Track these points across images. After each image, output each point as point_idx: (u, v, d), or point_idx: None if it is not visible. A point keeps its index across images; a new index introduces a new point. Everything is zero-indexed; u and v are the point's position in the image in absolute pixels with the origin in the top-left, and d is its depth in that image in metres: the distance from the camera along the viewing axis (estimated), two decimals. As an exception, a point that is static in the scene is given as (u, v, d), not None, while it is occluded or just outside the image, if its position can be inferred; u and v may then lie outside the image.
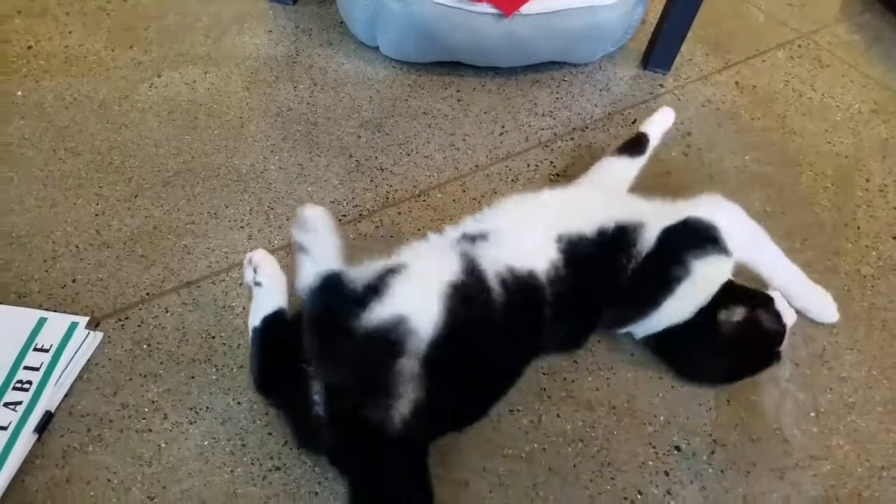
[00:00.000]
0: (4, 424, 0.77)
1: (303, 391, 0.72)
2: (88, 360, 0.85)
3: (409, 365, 0.69)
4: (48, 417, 0.79)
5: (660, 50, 1.39)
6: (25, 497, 0.74)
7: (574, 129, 1.27)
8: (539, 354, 0.88)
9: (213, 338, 0.89)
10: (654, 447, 0.84)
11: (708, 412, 0.88)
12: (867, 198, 1.21)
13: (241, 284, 0.95)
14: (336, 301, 0.73)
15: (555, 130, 1.26)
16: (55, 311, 0.89)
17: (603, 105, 1.33)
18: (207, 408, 0.82)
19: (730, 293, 0.85)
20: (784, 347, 0.89)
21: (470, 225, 0.85)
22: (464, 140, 1.22)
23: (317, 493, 0.76)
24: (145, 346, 0.88)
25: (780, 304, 0.88)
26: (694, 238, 0.86)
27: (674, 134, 1.28)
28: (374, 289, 0.73)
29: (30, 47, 1.28)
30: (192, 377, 0.85)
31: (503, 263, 0.78)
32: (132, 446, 0.79)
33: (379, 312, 0.70)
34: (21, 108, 1.17)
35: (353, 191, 1.11)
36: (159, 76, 1.26)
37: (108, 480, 0.76)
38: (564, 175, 1.18)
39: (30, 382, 0.81)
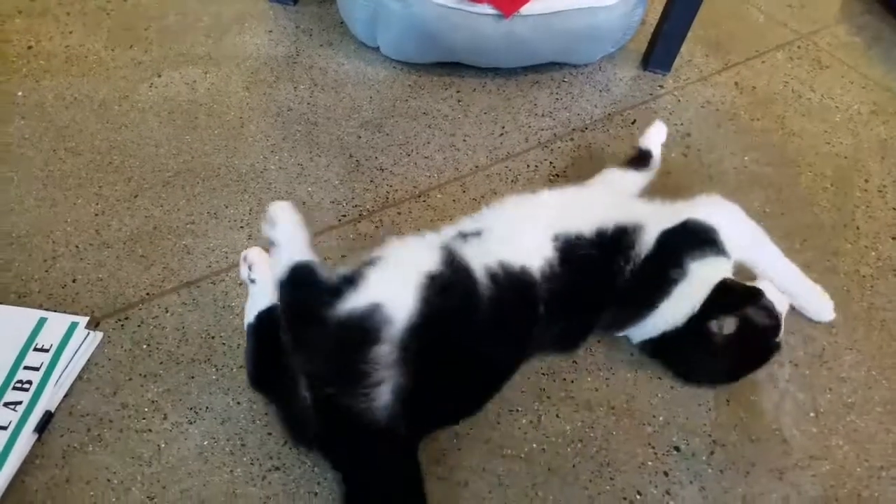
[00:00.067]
0: (4, 424, 0.77)
1: (293, 384, 0.72)
2: (88, 360, 0.85)
3: (386, 352, 0.69)
4: (48, 417, 0.79)
5: (659, 51, 1.39)
6: (25, 497, 0.74)
7: (574, 129, 1.27)
8: (535, 353, 0.88)
9: (213, 338, 0.89)
10: (653, 447, 0.84)
11: (707, 412, 0.89)
12: (866, 198, 1.21)
13: (240, 284, 0.95)
14: (307, 291, 0.74)
15: (555, 131, 1.27)
16: (55, 311, 0.89)
17: (603, 106, 1.33)
18: (207, 408, 0.83)
19: (720, 297, 0.85)
20: (783, 348, 0.89)
21: (466, 224, 0.86)
22: (464, 140, 1.23)
23: (316, 493, 0.76)
24: (145, 346, 0.88)
25: (771, 295, 0.87)
26: (692, 240, 0.86)
27: (673, 134, 1.28)
28: (350, 279, 0.74)
29: (30, 47, 1.28)
30: (192, 377, 0.85)
31: (494, 258, 0.78)
32: (132, 446, 0.79)
33: (354, 301, 0.71)
34: (21, 108, 1.17)
35: (353, 191, 1.11)
36: (159, 76, 1.26)
37: (108, 480, 0.76)
38: (564, 175, 1.18)
39: (30, 382, 0.81)
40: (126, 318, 0.90)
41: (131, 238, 1.00)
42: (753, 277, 0.92)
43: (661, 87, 1.40)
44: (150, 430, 0.80)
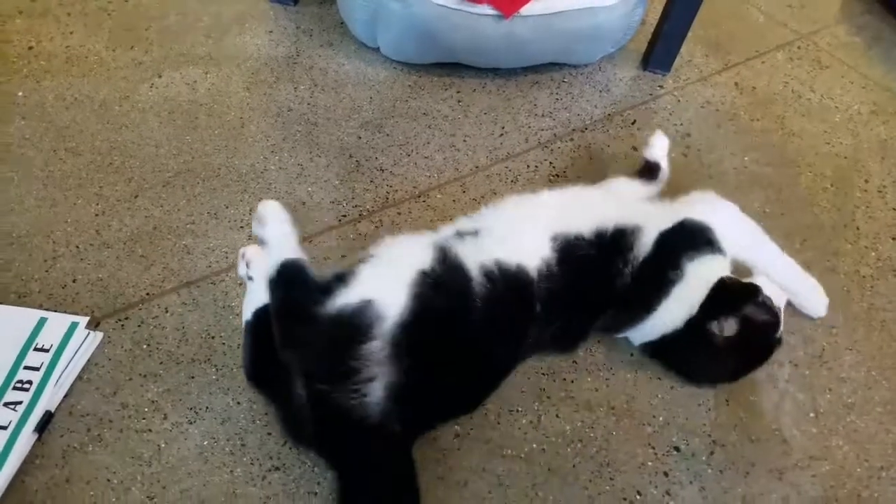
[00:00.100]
0: (4, 424, 0.78)
1: (289, 381, 0.72)
2: (88, 360, 0.85)
3: (377, 349, 0.69)
4: (48, 417, 0.79)
5: (659, 51, 1.39)
6: (25, 497, 0.74)
7: (574, 129, 1.27)
8: (533, 353, 0.88)
9: (213, 338, 0.89)
10: (653, 448, 0.84)
11: (707, 413, 0.89)
12: (866, 199, 1.21)
13: (240, 284, 0.95)
14: (297, 289, 0.74)
15: (554, 131, 1.27)
16: (55, 311, 0.89)
17: (603, 106, 1.33)
18: (207, 408, 0.83)
19: (719, 297, 0.85)
20: (783, 347, 0.89)
21: (464, 223, 0.86)
22: (464, 141, 1.23)
23: (316, 493, 0.76)
24: (145, 346, 0.88)
25: (768, 290, 0.87)
26: (688, 241, 0.86)
27: (673, 135, 1.28)
28: (341, 276, 0.74)
29: (31, 47, 1.28)
30: (192, 377, 0.85)
31: (490, 256, 0.78)
32: (132, 446, 0.79)
33: (345, 298, 0.71)
34: (22, 109, 1.17)
35: (354, 191, 1.11)
36: (160, 76, 1.27)
37: (108, 480, 0.76)
38: (564, 176, 1.19)
39: (30, 382, 0.81)
40: (126, 318, 0.90)
41: (131, 238, 1.00)
42: (748, 273, 0.92)
43: (661, 87, 1.40)
44: (150, 430, 0.80)
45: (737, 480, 0.83)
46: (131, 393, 0.83)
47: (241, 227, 1.03)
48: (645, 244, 0.85)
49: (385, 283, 0.74)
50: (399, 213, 1.09)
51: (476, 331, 0.76)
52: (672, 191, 0.94)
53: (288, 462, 0.79)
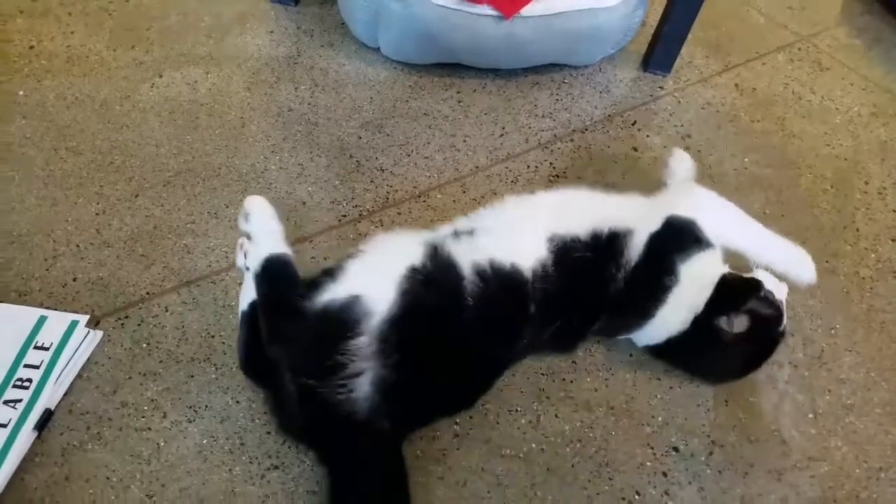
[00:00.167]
0: (4, 422, 0.78)
1: (280, 375, 0.73)
2: (88, 358, 0.86)
3: (365, 344, 0.69)
4: (48, 415, 0.79)
5: (660, 52, 1.39)
6: (25, 494, 0.74)
7: (574, 130, 1.28)
8: (530, 353, 0.88)
9: (213, 337, 0.89)
10: (652, 448, 0.85)
11: (706, 413, 0.89)
12: (866, 200, 1.21)
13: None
14: (280, 283, 0.75)
15: (555, 132, 1.27)
16: (55, 309, 0.89)
17: (603, 107, 1.33)
18: (206, 406, 0.83)
19: (723, 294, 0.85)
20: (783, 349, 0.89)
21: (462, 223, 0.86)
22: (464, 141, 1.23)
23: (315, 492, 0.76)
24: (145, 345, 0.88)
25: (769, 284, 0.86)
26: (679, 242, 0.85)
27: (674, 136, 1.28)
28: (329, 271, 0.74)
29: (32, 47, 1.29)
30: (192, 376, 0.85)
31: (484, 256, 0.78)
32: (131, 444, 0.79)
33: (333, 293, 0.71)
34: (23, 108, 1.17)
35: (354, 191, 1.11)
36: (161, 76, 1.27)
37: (108, 478, 0.76)
38: (564, 176, 1.19)
39: (30, 380, 0.82)
40: (126, 317, 0.91)
41: (132, 237, 1.00)
42: (745, 268, 0.92)
43: (661, 88, 1.40)
44: (149, 429, 0.80)
45: (735, 481, 0.83)
46: (131, 391, 0.83)
47: (242, 226, 1.03)
48: (636, 246, 0.85)
49: (373, 278, 0.74)
50: (399, 213, 1.09)
51: (467, 329, 0.76)
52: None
53: (287, 461, 0.79)
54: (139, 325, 0.90)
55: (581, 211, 0.88)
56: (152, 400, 0.83)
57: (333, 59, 1.35)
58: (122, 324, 0.90)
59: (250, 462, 0.78)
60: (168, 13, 1.41)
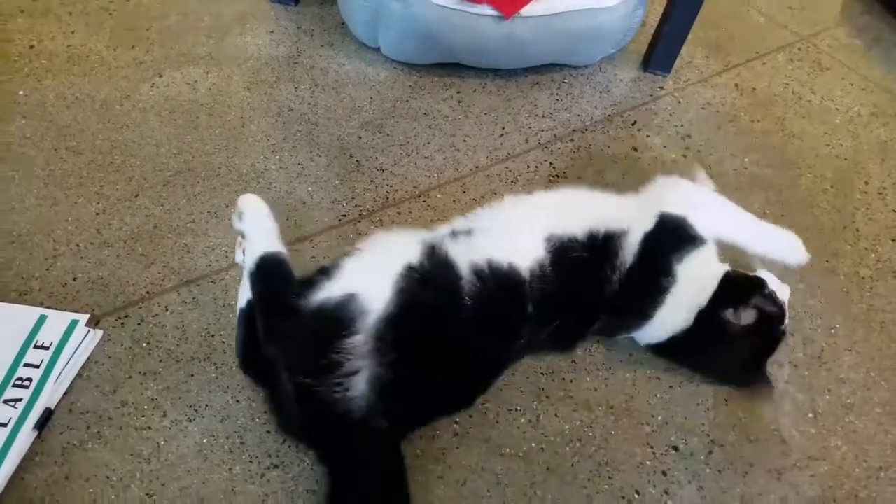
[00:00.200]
0: (4, 421, 0.78)
1: (278, 373, 0.73)
2: (88, 357, 0.86)
3: (360, 342, 0.69)
4: (48, 414, 0.80)
5: (660, 52, 1.39)
6: (25, 494, 0.74)
7: (574, 130, 1.28)
8: (528, 352, 0.88)
9: (213, 336, 0.89)
10: (651, 447, 0.85)
11: (706, 412, 0.89)
12: (866, 200, 1.22)
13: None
14: (275, 281, 0.75)
15: (555, 132, 1.27)
16: (55, 308, 0.89)
17: (603, 107, 1.33)
18: (206, 406, 0.83)
19: (727, 291, 0.85)
20: (783, 349, 0.89)
21: (460, 223, 0.86)
22: (464, 141, 1.23)
23: (315, 491, 0.76)
24: (145, 345, 0.88)
25: (772, 283, 0.87)
26: (673, 242, 0.85)
27: (673, 136, 1.28)
28: (325, 270, 0.74)
29: (32, 47, 1.29)
30: (192, 375, 0.85)
31: (482, 255, 0.78)
32: (131, 444, 0.79)
33: (329, 291, 0.71)
34: (23, 108, 1.17)
35: (354, 191, 1.11)
36: (161, 76, 1.27)
37: (108, 478, 0.76)
38: (564, 176, 1.19)
39: (30, 380, 0.82)
40: (126, 317, 0.91)
41: (132, 237, 1.00)
42: (747, 266, 0.92)
43: (661, 88, 1.40)
44: (149, 428, 0.80)
45: (735, 480, 0.83)
46: (131, 391, 0.83)
47: (242, 226, 1.03)
48: (631, 246, 0.85)
49: (369, 276, 0.74)
50: (399, 213, 1.09)
51: (464, 329, 0.76)
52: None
53: (287, 460, 0.79)
54: (139, 324, 0.90)
55: (578, 211, 0.88)
56: (152, 399, 0.83)
57: (333, 59, 1.36)
58: (122, 323, 0.90)
59: (250, 461, 0.78)
60: (168, 13, 1.41)
